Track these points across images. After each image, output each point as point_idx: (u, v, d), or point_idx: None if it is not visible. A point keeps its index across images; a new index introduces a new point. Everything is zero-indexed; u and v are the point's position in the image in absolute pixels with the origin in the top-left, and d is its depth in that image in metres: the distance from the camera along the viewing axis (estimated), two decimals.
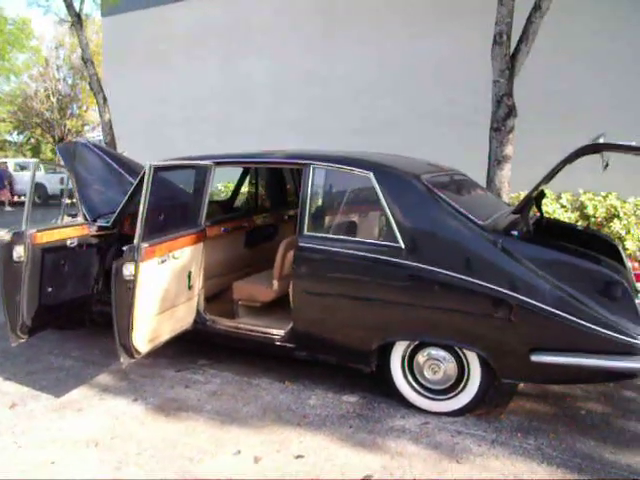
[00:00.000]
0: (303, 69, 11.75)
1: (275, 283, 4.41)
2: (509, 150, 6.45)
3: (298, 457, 3.23)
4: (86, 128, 35.71)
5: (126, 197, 4.75)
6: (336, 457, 3.23)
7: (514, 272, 3.44)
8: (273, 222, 5.68)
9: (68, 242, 4.43)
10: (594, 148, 3.50)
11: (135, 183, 4.69)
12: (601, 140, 3.44)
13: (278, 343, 4.09)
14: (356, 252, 3.79)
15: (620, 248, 4.39)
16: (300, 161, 4.20)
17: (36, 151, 38.16)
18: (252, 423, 3.63)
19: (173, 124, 13.27)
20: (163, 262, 3.79)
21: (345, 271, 3.84)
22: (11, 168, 21.87)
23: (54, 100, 32.75)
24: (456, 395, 3.69)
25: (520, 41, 6.35)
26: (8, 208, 18.30)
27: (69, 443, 3.40)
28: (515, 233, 3.63)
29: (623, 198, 7.06)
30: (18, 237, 4.00)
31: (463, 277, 3.49)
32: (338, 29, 11.40)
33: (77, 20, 10.62)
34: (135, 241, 3.55)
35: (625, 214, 6.76)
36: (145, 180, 3.59)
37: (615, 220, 6.71)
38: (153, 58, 13.54)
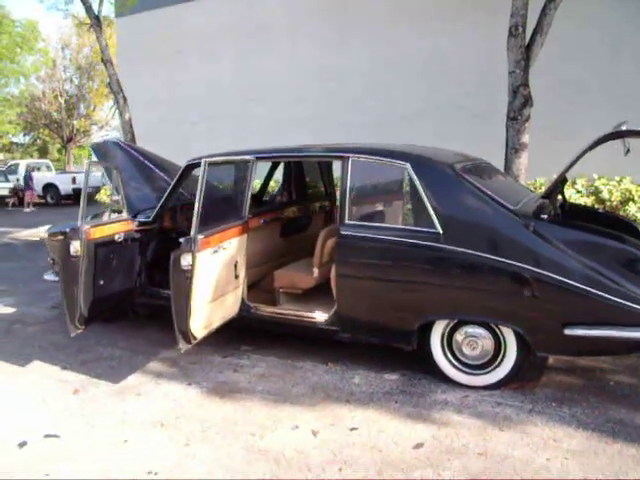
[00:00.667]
0: (316, 66, 11.87)
1: (315, 270, 4.63)
2: (525, 138, 6.64)
3: (352, 429, 3.47)
4: (94, 127, 35.95)
5: (166, 193, 4.98)
6: (387, 429, 3.48)
7: (546, 253, 3.67)
8: (306, 213, 5.91)
9: (116, 237, 4.67)
10: (618, 135, 3.72)
11: (175, 179, 4.92)
12: (624, 127, 3.66)
13: (322, 326, 4.33)
14: (395, 238, 4.01)
15: None
16: (339, 154, 4.41)
17: (43, 152, 38.40)
18: (304, 401, 3.88)
19: (188, 122, 13.42)
20: (215, 252, 4.02)
21: (385, 256, 4.06)
22: (22, 169, 22.23)
23: (62, 101, 32.97)
24: (493, 369, 3.93)
25: (535, 32, 6.53)
26: (29, 209, 18.61)
27: (136, 424, 3.64)
28: (545, 216, 3.87)
29: (637, 182, 7.24)
30: (74, 233, 4.23)
31: (498, 258, 3.72)
32: (350, 26, 11.52)
33: (96, 22, 10.81)
34: (192, 233, 3.77)
35: None
36: (200, 175, 3.83)
37: (630, 203, 6.91)
38: (167, 57, 13.67)
